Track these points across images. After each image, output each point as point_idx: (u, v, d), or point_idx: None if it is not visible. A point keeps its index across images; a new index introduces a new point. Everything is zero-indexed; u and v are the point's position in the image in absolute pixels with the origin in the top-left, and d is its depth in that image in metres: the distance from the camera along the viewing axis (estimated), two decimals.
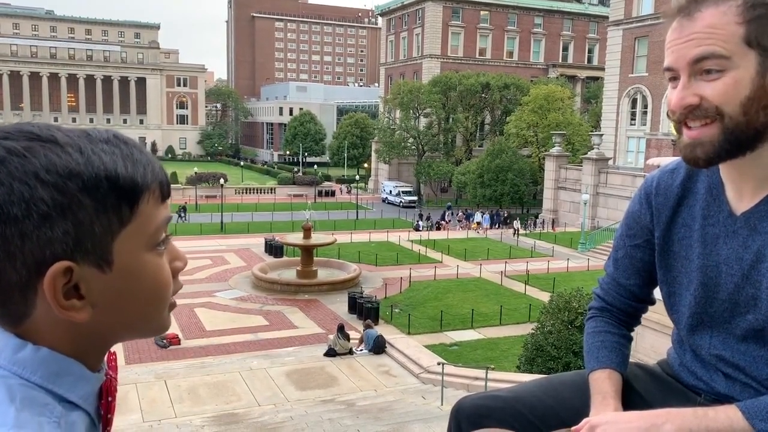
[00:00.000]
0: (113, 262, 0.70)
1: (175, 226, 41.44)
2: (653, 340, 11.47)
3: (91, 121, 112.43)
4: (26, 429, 0.64)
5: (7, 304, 0.68)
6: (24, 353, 0.69)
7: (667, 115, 1.24)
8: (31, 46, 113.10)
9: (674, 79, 1.19)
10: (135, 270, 0.72)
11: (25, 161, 0.66)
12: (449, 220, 49.74)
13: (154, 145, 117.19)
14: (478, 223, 46.32)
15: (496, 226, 46.68)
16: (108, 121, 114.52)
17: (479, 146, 65.68)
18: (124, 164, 0.70)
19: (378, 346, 18.11)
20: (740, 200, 1.27)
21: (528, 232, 42.19)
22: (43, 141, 0.68)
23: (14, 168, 0.65)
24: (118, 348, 18.93)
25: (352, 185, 72.45)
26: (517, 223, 43.42)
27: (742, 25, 1.11)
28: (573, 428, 1.26)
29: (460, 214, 51.25)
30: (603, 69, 54.76)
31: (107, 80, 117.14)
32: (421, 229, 44.68)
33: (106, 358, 0.79)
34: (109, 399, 0.76)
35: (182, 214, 48.39)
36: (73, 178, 0.66)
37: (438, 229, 46.27)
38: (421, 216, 48.90)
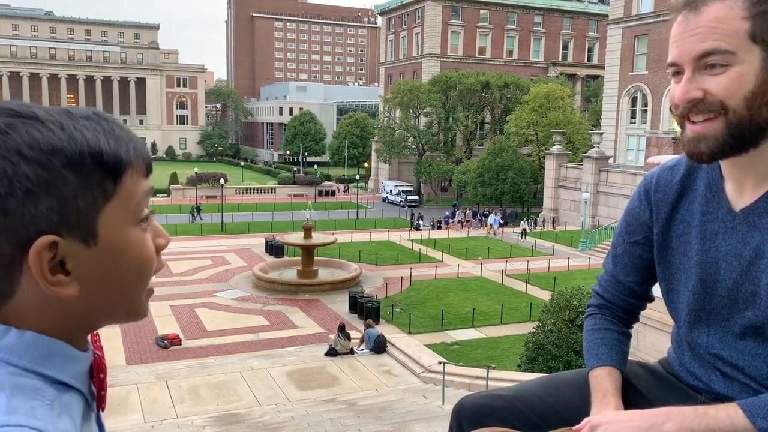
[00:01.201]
0: (98, 236, 0.70)
1: (175, 227, 41.43)
2: (654, 338, 11.46)
3: None
4: (18, 414, 0.64)
5: None
6: (9, 339, 0.69)
7: (670, 109, 1.24)
8: (30, 47, 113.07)
9: (678, 74, 1.19)
10: (120, 244, 0.72)
11: (6, 138, 0.65)
12: (462, 221, 47.97)
13: (154, 145, 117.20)
14: (491, 225, 44.23)
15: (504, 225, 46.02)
16: None
17: (479, 145, 65.64)
18: (106, 140, 0.70)
19: (379, 346, 18.10)
20: (740, 197, 1.27)
21: (530, 230, 42.12)
22: (23, 117, 0.68)
23: None
24: (118, 349, 18.97)
25: (350, 185, 72.59)
26: (524, 223, 42.28)
27: (748, 20, 1.11)
28: (574, 428, 1.26)
29: (469, 213, 49.85)
30: (603, 67, 54.74)
31: (107, 81, 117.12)
32: (422, 228, 44.64)
33: (90, 338, 0.79)
34: (101, 376, 0.76)
35: (195, 214, 48.35)
36: (56, 153, 0.66)
37: (439, 228, 46.00)
38: (413, 215, 48.05)
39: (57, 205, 0.66)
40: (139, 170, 0.74)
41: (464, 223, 47.34)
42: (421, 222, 46.32)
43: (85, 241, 0.69)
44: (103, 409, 0.78)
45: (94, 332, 0.80)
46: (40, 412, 0.66)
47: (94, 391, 0.76)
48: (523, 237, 39.40)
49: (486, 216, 47.37)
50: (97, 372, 0.76)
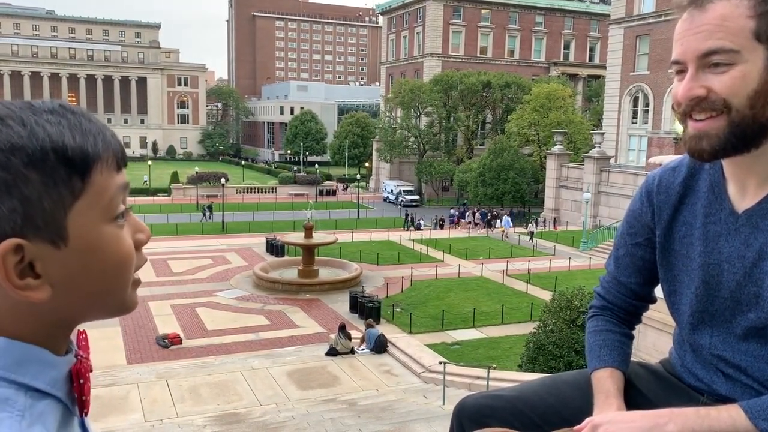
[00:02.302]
0: (68, 237, 0.66)
1: (176, 226, 41.44)
2: (655, 338, 11.44)
3: None
4: None
5: None
6: None
7: (672, 107, 1.23)
8: (32, 46, 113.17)
9: (681, 72, 1.19)
10: (93, 244, 0.68)
11: None
12: (472, 222, 45.67)
13: (155, 144, 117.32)
14: (504, 228, 41.22)
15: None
16: (109, 120, 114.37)
17: (480, 145, 65.60)
18: (71, 134, 0.66)
19: (379, 346, 18.09)
20: (742, 198, 1.27)
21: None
22: None
23: None
24: (118, 348, 18.96)
25: (349, 185, 72.64)
26: (533, 226, 40.97)
27: (753, 18, 1.11)
28: (575, 428, 1.26)
29: (478, 215, 47.20)
30: (604, 67, 54.71)
31: (108, 80, 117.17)
32: (422, 228, 44.57)
33: (76, 338, 0.76)
34: (81, 381, 0.72)
35: (206, 212, 48.19)
36: (16, 152, 0.63)
37: (442, 227, 45.67)
38: (407, 216, 46.99)
39: (20, 207, 0.63)
40: (110, 164, 0.70)
41: (473, 225, 45.47)
42: (422, 221, 46.25)
43: (53, 242, 0.65)
44: (86, 414, 0.75)
45: (81, 331, 0.77)
46: (6, 424, 0.62)
47: (75, 396, 0.73)
48: (532, 240, 38.08)
49: (496, 218, 45.28)
50: (76, 377, 0.72)
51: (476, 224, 45.55)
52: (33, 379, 0.67)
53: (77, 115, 0.69)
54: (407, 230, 43.31)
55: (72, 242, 0.66)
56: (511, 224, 42.03)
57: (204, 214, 48.22)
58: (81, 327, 0.77)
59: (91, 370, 0.75)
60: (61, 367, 0.71)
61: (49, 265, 0.66)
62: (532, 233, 39.33)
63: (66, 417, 0.71)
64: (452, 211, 51.71)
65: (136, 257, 0.74)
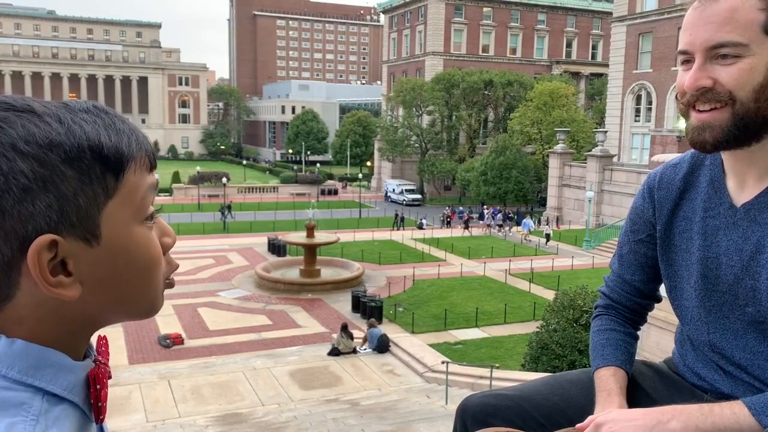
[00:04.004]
0: (101, 235, 0.66)
1: (177, 226, 41.35)
2: (658, 337, 11.37)
3: None
4: None
5: None
6: None
7: (676, 97, 1.25)
8: (33, 46, 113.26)
9: (687, 62, 1.19)
10: (124, 243, 0.68)
11: (1, 132, 0.62)
12: (492, 224, 42.43)
13: (156, 144, 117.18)
14: (527, 231, 38.60)
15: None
16: None
17: (482, 144, 65.47)
18: (107, 133, 0.67)
19: (382, 345, 18.03)
20: (741, 192, 1.28)
21: (534, 230, 41.75)
22: (19, 111, 0.64)
23: None
24: (120, 348, 18.91)
25: (349, 183, 72.60)
26: (547, 228, 38.72)
27: (764, 11, 1.12)
28: (578, 426, 1.26)
29: (499, 216, 43.62)
30: (607, 65, 54.54)
31: (109, 80, 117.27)
32: (424, 227, 44.47)
33: (96, 342, 0.75)
34: (98, 387, 0.71)
35: (226, 212, 48.03)
36: (54, 148, 0.63)
37: (449, 225, 45.19)
38: (396, 215, 45.77)
39: (56, 203, 0.63)
40: (143, 165, 0.70)
41: (493, 227, 42.26)
42: (424, 221, 46.13)
43: (86, 240, 0.65)
44: (102, 421, 0.74)
45: (101, 336, 0.76)
46: (19, 429, 0.62)
47: (91, 402, 0.71)
48: (548, 243, 36.75)
49: (511, 218, 43.22)
50: (93, 383, 0.71)
51: (499, 226, 42.23)
52: (49, 383, 0.66)
53: (111, 116, 0.69)
54: (397, 230, 42.50)
55: (104, 241, 0.66)
56: (532, 227, 39.73)
57: (223, 214, 48.26)
58: (101, 332, 0.76)
59: (110, 377, 0.74)
60: (79, 371, 0.70)
61: (80, 263, 0.65)
62: (548, 236, 37.52)
63: (84, 423, 0.70)
64: (461, 209, 51.47)
65: (164, 260, 0.74)
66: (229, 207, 48.82)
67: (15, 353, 0.65)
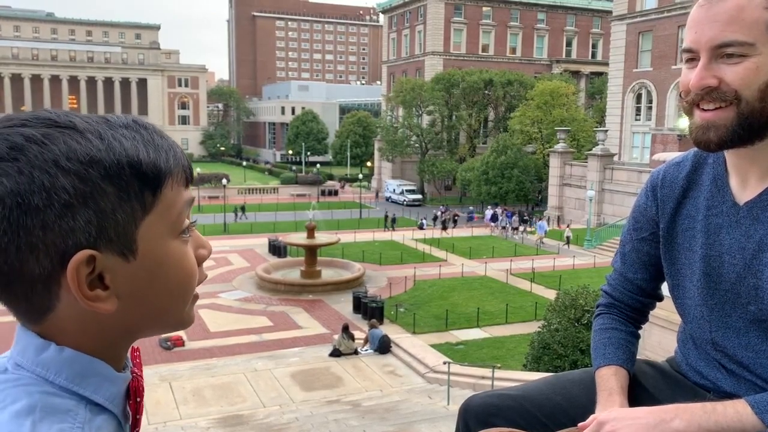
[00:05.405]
0: (137, 250, 0.68)
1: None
2: (660, 336, 11.31)
3: None
4: None
5: (31, 297, 0.66)
6: (47, 354, 0.67)
7: (680, 95, 1.23)
8: (32, 48, 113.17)
9: (691, 60, 1.19)
10: (160, 258, 0.70)
11: (44, 148, 0.63)
12: (508, 225, 40.79)
13: None
14: (541, 235, 37.17)
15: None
16: None
17: (483, 143, 65.41)
18: (145, 150, 0.68)
19: (383, 346, 17.98)
20: (744, 190, 1.28)
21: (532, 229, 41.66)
22: (61, 127, 0.65)
23: (33, 156, 0.63)
24: None
25: (348, 183, 72.62)
26: (568, 231, 36.98)
27: None
28: (580, 425, 1.26)
29: (515, 219, 41.59)
30: (607, 64, 54.51)
31: (108, 81, 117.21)
32: (425, 227, 44.39)
33: (130, 354, 0.77)
34: (138, 399, 0.74)
35: (239, 213, 47.94)
36: (94, 165, 0.64)
37: (455, 224, 44.98)
38: (386, 217, 44.79)
39: (95, 218, 0.64)
40: (179, 180, 0.71)
41: (509, 229, 40.68)
42: (425, 221, 46.06)
43: (123, 255, 0.67)
44: None
45: (134, 347, 0.78)
46: None
47: (129, 414, 0.73)
48: (568, 245, 35.58)
49: (526, 221, 41.80)
50: (133, 395, 0.73)
51: (515, 228, 40.54)
52: (93, 392, 0.68)
53: (150, 131, 0.71)
54: (387, 231, 42.07)
55: (140, 256, 0.68)
56: (547, 228, 38.52)
57: (236, 215, 48.22)
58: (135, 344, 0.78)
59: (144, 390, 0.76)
60: (120, 383, 0.71)
61: (117, 277, 0.67)
62: (568, 238, 36.24)
63: None
64: (471, 208, 50.87)
65: (198, 272, 0.75)
66: (242, 208, 48.79)
67: (63, 360, 0.67)
